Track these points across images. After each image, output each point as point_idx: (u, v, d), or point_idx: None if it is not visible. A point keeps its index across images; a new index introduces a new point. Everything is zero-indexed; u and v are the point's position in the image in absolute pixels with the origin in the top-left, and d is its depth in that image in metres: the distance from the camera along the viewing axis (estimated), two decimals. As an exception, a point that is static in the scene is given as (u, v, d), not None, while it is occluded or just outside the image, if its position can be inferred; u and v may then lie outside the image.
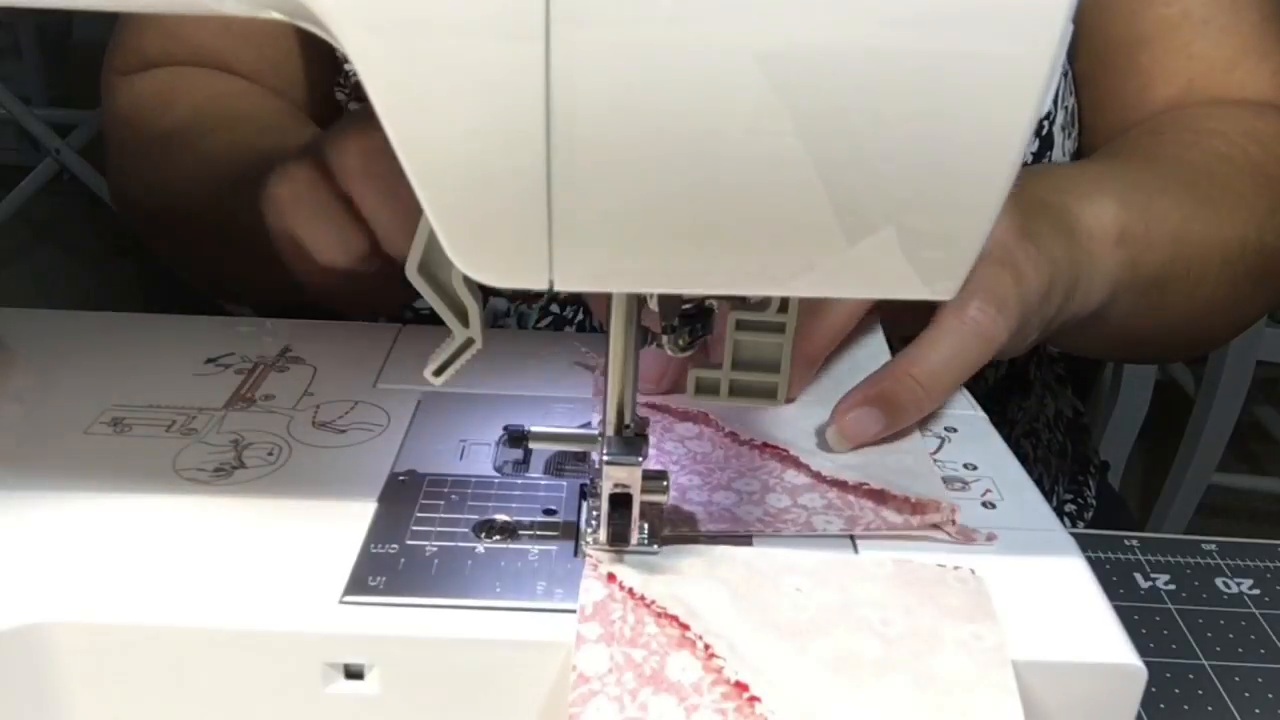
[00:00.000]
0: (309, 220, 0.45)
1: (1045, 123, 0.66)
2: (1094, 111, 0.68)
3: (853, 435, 0.42)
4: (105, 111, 0.70)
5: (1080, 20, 0.67)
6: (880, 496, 0.40)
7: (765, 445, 0.42)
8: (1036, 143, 0.66)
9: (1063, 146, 0.67)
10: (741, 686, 0.31)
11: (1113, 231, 0.52)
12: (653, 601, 0.34)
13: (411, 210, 0.40)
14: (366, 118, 0.44)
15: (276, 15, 0.28)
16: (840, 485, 0.40)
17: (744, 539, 0.37)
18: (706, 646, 0.32)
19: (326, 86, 0.70)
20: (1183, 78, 0.65)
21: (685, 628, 0.33)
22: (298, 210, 0.45)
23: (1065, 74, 0.67)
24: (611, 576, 0.35)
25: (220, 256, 0.64)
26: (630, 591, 0.34)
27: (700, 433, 0.44)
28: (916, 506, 0.39)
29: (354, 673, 0.33)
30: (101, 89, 0.71)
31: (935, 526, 0.38)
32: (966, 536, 0.38)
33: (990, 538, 0.38)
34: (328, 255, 0.45)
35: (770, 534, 0.38)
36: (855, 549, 0.37)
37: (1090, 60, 0.68)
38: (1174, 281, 0.57)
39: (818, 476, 0.41)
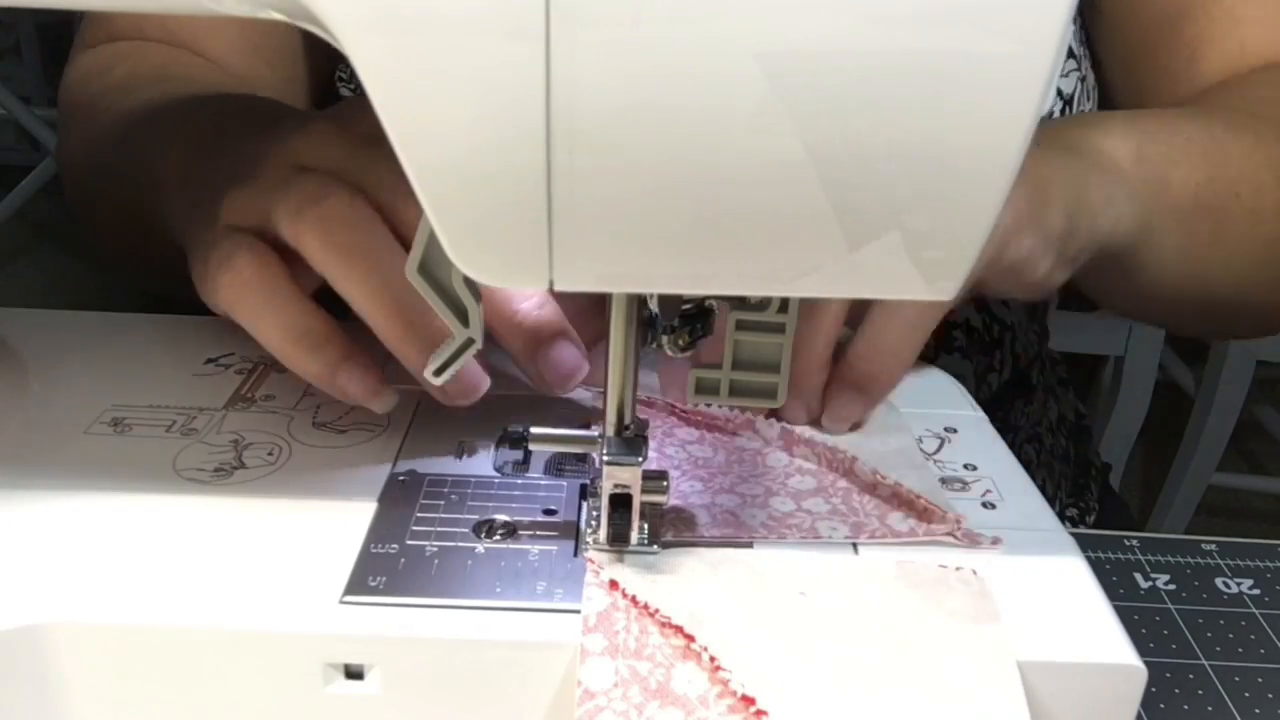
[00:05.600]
0: (258, 314, 0.39)
1: None
2: (1141, 95, 0.66)
3: (842, 418, 0.43)
4: (61, 82, 0.68)
5: (1114, 8, 0.66)
6: (888, 498, 0.39)
7: (769, 412, 0.42)
8: None
9: None
10: (748, 700, 0.31)
11: (1127, 150, 0.49)
12: (656, 610, 0.34)
13: (388, 291, 0.36)
14: (320, 175, 0.38)
15: (276, 15, 0.28)
16: (848, 474, 0.40)
17: (745, 544, 0.37)
18: (712, 659, 0.32)
19: (327, 75, 0.69)
20: (1233, 41, 0.62)
21: (690, 639, 0.33)
22: (243, 302, 0.39)
23: (1083, 79, 0.67)
24: (614, 584, 0.35)
25: (136, 235, 0.59)
26: (634, 600, 0.34)
27: (701, 437, 0.44)
28: (923, 514, 0.38)
29: (354, 673, 0.33)
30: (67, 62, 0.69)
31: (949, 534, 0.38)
32: (972, 540, 0.38)
33: (995, 541, 0.38)
34: (283, 350, 0.39)
35: (774, 539, 0.37)
36: (856, 550, 0.37)
37: (1130, 45, 0.66)
38: (1225, 205, 0.53)
39: (819, 455, 0.40)
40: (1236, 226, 0.53)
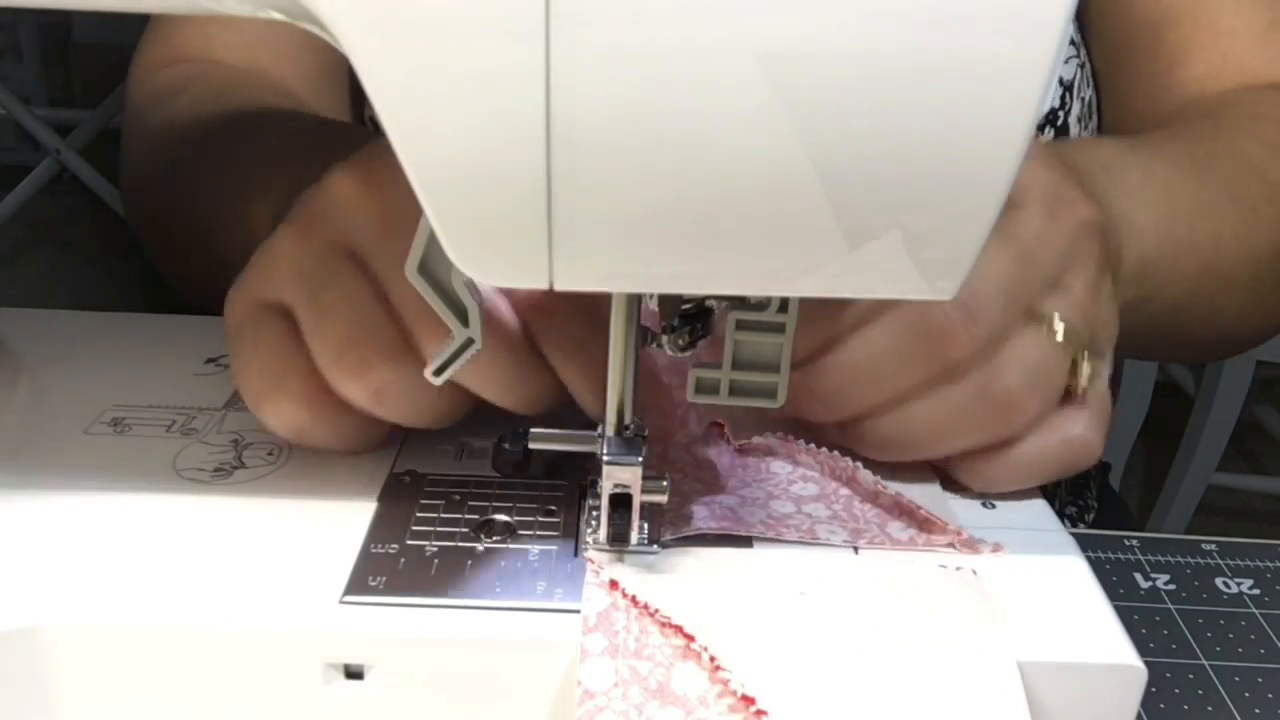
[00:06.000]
0: (321, 443, 0.39)
1: (1061, 113, 0.65)
2: (1122, 98, 0.66)
3: None
4: (125, 109, 0.69)
5: (1099, 7, 0.66)
6: (889, 507, 0.39)
7: (782, 437, 0.41)
8: (1052, 133, 0.65)
9: (1079, 138, 0.67)
10: (748, 700, 0.31)
11: (1135, 270, 0.48)
12: (656, 610, 0.34)
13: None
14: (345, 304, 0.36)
15: (276, 15, 0.28)
16: (850, 482, 0.40)
17: (744, 540, 0.37)
18: (712, 659, 0.32)
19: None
20: (1214, 52, 0.62)
21: (690, 639, 0.33)
22: (306, 439, 0.39)
23: (1082, 66, 0.67)
24: (614, 584, 0.35)
25: (203, 261, 0.59)
26: (634, 600, 0.34)
27: (707, 434, 0.43)
28: (924, 524, 0.38)
29: (354, 673, 0.33)
30: (126, 87, 0.70)
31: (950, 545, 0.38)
32: (972, 548, 0.38)
33: (996, 548, 0.38)
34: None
35: (772, 536, 0.37)
36: (856, 551, 0.37)
37: (1113, 46, 0.66)
38: (1193, 309, 0.53)
39: (822, 463, 0.40)
40: (1195, 322, 0.54)
